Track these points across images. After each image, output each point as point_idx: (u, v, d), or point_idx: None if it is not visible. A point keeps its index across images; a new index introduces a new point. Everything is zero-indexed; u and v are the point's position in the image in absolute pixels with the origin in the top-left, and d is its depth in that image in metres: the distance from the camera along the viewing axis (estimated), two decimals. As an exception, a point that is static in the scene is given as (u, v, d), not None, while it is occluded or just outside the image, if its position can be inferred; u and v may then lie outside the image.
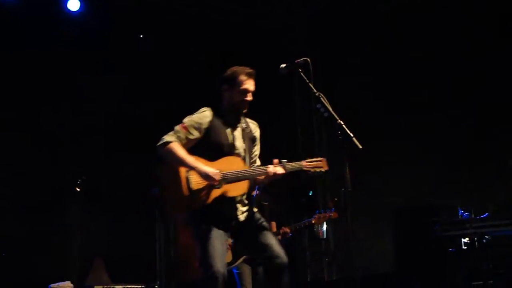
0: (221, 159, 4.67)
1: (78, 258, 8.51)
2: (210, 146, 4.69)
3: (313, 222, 6.68)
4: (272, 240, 4.64)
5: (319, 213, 6.71)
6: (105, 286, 7.66)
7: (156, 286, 8.40)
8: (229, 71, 4.81)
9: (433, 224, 6.20)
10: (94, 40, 8.68)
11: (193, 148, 4.66)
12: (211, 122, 4.71)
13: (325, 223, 7.13)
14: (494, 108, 8.01)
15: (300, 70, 4.61)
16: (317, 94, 4.47)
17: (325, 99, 4.46)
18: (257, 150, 4.93)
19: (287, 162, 4.75)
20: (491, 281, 5.86)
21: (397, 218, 7.32)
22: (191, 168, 4.57)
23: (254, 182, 4.80)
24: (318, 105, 4.46)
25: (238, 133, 4.81)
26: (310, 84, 4.53)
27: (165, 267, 9.22)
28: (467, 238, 6.19)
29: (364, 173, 7.35)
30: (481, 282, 5.92)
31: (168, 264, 9.23)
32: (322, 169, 4.80)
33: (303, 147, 9.59)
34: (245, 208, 4.74)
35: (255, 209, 4.80)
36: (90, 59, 8.67)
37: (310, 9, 9.52)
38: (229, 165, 4.66)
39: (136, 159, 9.02)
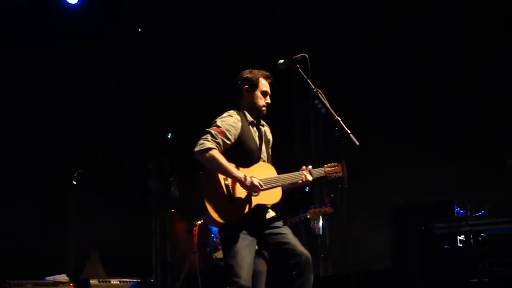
0: (255, 165, 4.67)
1: (74, 251, 8.53)
2: (241, 151, 4.65)
3: (308, 217, 6.67)
4: (294, 239, 4.63)
5: (315, 207, 6.70)
6: (101, 280, 7.67)
7: (152, 280, 8.43)
8: (248, 73, 4.81)
9: (429, 221, 6.20)
10: (93, 32, 8.67)
11: (224, 153, 4.57)
12: (242, 126, 4.68)
13: (321, 219, 7.13)
14: (492, 106, 8.01)
15: (298, 66, 4.61)
16: (315, 90, 4.48)
17: (323, 95, 4.46)
18: (270, 153, 4.93)
19: (312, 168, 4.79)
20: (486, 279, 5.87)
21: (394, 215, 7.32)
22: (234, 177, 4.51)
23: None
24: (316, 101, 4.47)
25: (261, 135, 4.82)
26: (308, 80, 4.54)
27: (161, 261, 9.24)
28: (462, 236, 6.19)
29: (361, 170, 7.36)
30: (476, 280, 5.93)
31: (164, 258, 9.26)
32: (339, 174, 4.81)
33: (300, 143, 9.59)
34: (270, 210, 4.76)
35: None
36: (89, 51, 8.66)
37: (310, 8, 9.50)
38: (263, 172, 4.66)
39: (134, 153, 9.04)
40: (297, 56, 4.61)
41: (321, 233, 7.33)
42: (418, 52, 8.52)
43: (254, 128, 4.80)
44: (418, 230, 6.53)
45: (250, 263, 4.53)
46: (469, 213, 6.48)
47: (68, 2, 8.68)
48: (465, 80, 8.18)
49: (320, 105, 4.45)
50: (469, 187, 7.87)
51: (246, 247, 4.52)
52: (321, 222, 7.16)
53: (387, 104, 8.75)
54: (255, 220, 4.61)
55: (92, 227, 8.56)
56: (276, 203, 4.73)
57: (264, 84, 4.78)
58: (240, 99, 4.81)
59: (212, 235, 6.92)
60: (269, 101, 4.80)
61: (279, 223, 4.71)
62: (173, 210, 9.17)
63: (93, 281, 7.59)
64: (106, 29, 8.78)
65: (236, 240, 4.51)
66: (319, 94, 4.47)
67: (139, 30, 9.30)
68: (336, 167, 4.83)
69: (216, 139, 4.54)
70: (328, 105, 4.43)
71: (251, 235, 4.58)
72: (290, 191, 4.91)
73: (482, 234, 6.02)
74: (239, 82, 4.80)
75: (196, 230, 7.04)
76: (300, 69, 4.59)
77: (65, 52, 8.51)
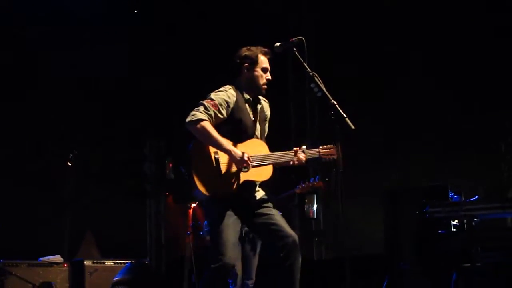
0: (247, 141, 4.64)
1: (69, 232, 8.55)
2: (235, 126, 4.62)
3: (297, 192, 6.63)
4: (282, 220, 4.61)
5: (303, 183, 6.65)
6: (95, 261, 7.69)
7: (146, 262, 8.45)
8: (246, 50, 4.76)
9: (424, 206, 6.22)
10: (91, 16, 8.65)
11: (216, 127, 4.54)
12: (236, 102, 4.64)
13: (315, 202, 7.12)
14: (487, 93, 8.03)
15: (295, 49, 4.59)
16: (311, 73, 4.46)
17: (319, 78, 4.44)
18: (266, 130, 4.91)
19: (306, 148, 4.77)
20: (479, 264, 5.90)
21: (388, 199, 7.35)
22: (224, 150, 4.48)
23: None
24: (312, 85, 4.45)
25: (256, 113, 4.78)
26: (304, 64, 4.52)
27: (155, 243, 9.27)
28: (456, 221, 6.21)
29: (356, 154, 7.38)
30: (469, 265, 5.96)
31: (158, 240, 9.29)
32: (334, 156, 4.76)
33: (296, 127, 9.60)
34: (260, 189, 4.74)
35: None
36: (86, 31, 8.64)
37: (308, 5, 9.48)
38: (255, 148, 4.63)
39: (129, 134, 9.04)
40: (294, 39, 4.59)
41: (315, 217, 7.33)
42: (418, 51, 8.51)
43: (250, 105, 4.76)
44: (412, 214, 6.55)
45: (235, 241, 4.51)
46: (463, 198, 6.50)
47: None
48: (462, 69, 8.19)
49: (316, 89, 4.44)
50: (461, 170, 7.90)
51: (231, 224, 4.50)
52: (315, 206, 7.14)
53: (383, 94, 8.74)
54: (242, 198, 4.59)
55: (87, 208, 8.57)
56: (265, 181, 4.69)
57: (263, 61, 4.74)
58: (238, 77, 4.77)
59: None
60: (269, 77, 4.76)
61: (268, 204, 4.69)
62: (167, 193, 9.18)
63: (87, 262, 7.61)
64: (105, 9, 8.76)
65: (221, 217, 4.49)
66: (315, 78, 4.45)
67: (135, 11, 9.27)
68: (331, 149, 4.79)
69: (209, 111, 4.51)
70: (324, 89, 4.41)
71: (237, 214, 4.56)
72: (283, 168, 4.87)
73: (476, 219, 6.03)
74: (238, 61, 4.76)
75: (191, 213, 7.05)
76: (296, 53, 4.58)
77: (61, 36, 8.50)
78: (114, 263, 7.74)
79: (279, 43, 4.66)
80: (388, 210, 7.30)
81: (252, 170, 4.55)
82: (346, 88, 7.89)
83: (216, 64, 7.09)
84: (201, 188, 4.48)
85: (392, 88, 8.64)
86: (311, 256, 9.08)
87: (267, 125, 4.93)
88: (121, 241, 8.44)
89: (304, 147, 4.79)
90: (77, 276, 7.53)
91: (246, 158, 4.49)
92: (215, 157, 4.50)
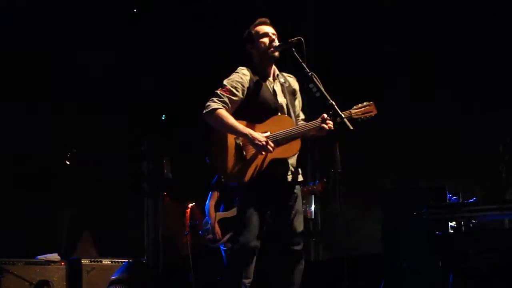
0: (270, 119, 4.54)
1: (66, 231, 8.54)
2: (254, 105, 4.56)
3: None
4: (297, 222, 4.56)
5: (303, 186, 6.66)
6: (92, 260, 7.69)
7: (144, 261, 8.44)
8: (245, 34, 4.75)
9: (421, 207, 6.21)
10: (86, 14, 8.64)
11: (237, 110, 4.51)
12: (250, 80, 4.59)
13: (313, 203, 7.13)
14: (487, 93, 8.03)
15: (294, 49, 4.58)
16: (309, 73, 4.45)
17: (317, 78, 4.44)
18: (299, 103, 4.82)
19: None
20: (477, 265, 5.89)
21: (385, 200, 7.33)
22: (241, 135, 4.41)
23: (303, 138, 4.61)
24: (310, 85, 4.44)
25: (277, 88, 4.70)
26: (303, 64, 4.51)
27: (153, 242, 9.26)
28: (454, 222, 6.20)
29: (355, 154, 7.37)
30: (467, 266, 5.95)
31: (156, 239, 9.27)
32: (372, 114, 4.62)
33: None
34: (292, 169, 4.62)
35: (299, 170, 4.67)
36: (83, 30, 8.62)
37: (308, 5, 9.46)
38: (279, 124, 4.52)
39: (126, 133, 9.03)
40: (292, 39, 4.59)
41: (312, 217, 7.33)
42: (418, 52, 8.50)
43: (269, 80, 4.70)
44: (410, 215, 6.54)
45: (257, 224, 4.44)
46: (461, 199, 6.49)
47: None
48: (462, 69, 8.18)
49: (314, 89, 4.43)
50: (459, 171, 7.89)
51: (254, 212, 4.45)
52: (313, 207, 7.16)
53: (383, 94, 8.71)
54: (274, 178, 4.51)
55: (84, 207, 8.56)
56: (294, 155, 4.59)
57: (259, 29, 4.69)
58: (252, 61, 4.72)
59: (206, 217, 6.93)
60: (274, 37, 4.66)
61: (294, 198, 4.59)
62: (165, 192, 9.17)
63: (84, 261, 7.61)
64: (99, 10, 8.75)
65: (248, 202, 4.47)
66: (313, 78, 4.44)
67: (134, 10, 9.26)
68: (368, 107, 4.61)
69: (222, 98, 4.47)
70: (322, 89, 4.41)
71: (264, 202, 4.50)
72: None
73: (474, 221, 6.03)
74: (244, 42, 4.73)
75: (188, 212, 7.05)
76: (295, 53, 4.56)
77: (60, 30, 8.49)
78: (112, 261, 7.74)
79: (278, 43, 4.66)
80: (386, 210, 7.29)
81: (277, 148, 4.44)
82: (346, 88, 7.88)
83: (215, 64, 7.08)
84: (228, 177, 4.45)
85: (392, 88, 8.61)
86: (309, 257, 9.07)
87: (299, 98, 4.82)
88: (118, 240, 8.43)
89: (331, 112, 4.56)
90: (74, 275, 7.53)
91: (263, 142, 4.38)
92: (236, 143, 4.45)
